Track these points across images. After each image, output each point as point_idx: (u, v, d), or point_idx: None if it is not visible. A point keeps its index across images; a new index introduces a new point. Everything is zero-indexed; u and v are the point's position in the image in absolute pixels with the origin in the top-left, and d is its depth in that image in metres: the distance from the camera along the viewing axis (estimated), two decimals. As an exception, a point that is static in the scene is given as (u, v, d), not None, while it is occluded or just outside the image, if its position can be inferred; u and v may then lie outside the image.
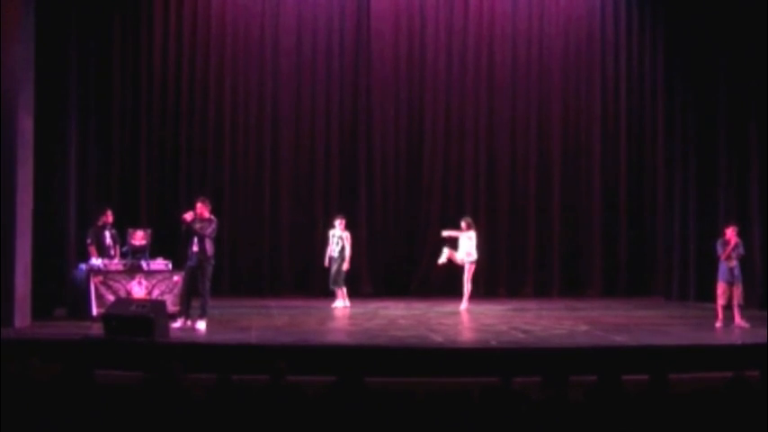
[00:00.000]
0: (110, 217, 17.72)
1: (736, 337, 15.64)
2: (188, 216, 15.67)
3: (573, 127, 22.03)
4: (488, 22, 21.93)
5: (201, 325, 15.48)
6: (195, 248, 15.63)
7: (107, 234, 17.58)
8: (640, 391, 8.52)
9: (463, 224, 18.93)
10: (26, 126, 16.05)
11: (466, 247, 18.85)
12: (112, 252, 17.45)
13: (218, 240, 16.29)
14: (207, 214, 15.81)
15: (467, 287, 18.86)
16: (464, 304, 18.79)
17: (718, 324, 16.44)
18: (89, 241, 17.48)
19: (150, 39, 20.98)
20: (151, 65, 20.97)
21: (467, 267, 18.87)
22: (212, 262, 15.79)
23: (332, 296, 19.21)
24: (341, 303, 18.96)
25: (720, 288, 16.59)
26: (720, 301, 16.58)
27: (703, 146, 20.61)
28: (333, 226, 19.10)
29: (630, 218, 21.89)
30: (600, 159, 21.91)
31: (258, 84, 21.50)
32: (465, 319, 17.65)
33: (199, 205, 15.88)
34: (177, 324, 15.50)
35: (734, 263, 16.53)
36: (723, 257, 16.57)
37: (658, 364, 11.65)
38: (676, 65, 21.23)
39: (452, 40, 21.93)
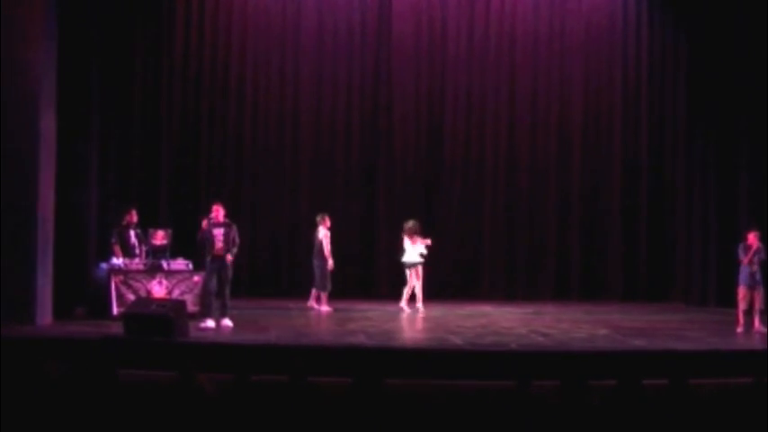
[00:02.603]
0: (134, 216, 17.82)
1: (756, 343, 15.57)
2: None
3: (593, 129, 21.93)
4: (509, 20, 21.87)
5: (228, 322, 15.80)
6: (219, 252, 15.85)
7: (131, 233, 17.67)
8: (660, 395, 8.50)
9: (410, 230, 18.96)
10: (48, 125, 16.15)
11: (418, 250, 18.90)
12: (137, 251, 17.53)
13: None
14: (222, 218, 16.01)
15: (419, 288, 18.90)
16: (410, 305, 18.87)
17: (739, 329, 16.37)
18: (113, 240, 17.56)
19: (172, 38, 21.04)
20: (172, 64, 21.02)
21: (416, 271, 18.88)
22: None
23: (355, 298, 19.22)
24: (325, 308, 18.80)
25: (741, 293, 16.53)
26: (741, 306, 16.51)
27: (725, 149, 20.45)
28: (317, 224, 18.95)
29: (650, 221, 21.78)
30: (620, 163, 21.82)
31: (279, 82, 21.50)
32: (483, 321, 17.60)
33: (215, 208, 16.05)
34: (210, 324, 15.66)
35: (755, 267, 16.47)
36: (745, 262, 16.51)
37: (678, 368, 11.63)
38: (697, 65, 20.97)
39: (474, 30, 21.88)
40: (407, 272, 19.03)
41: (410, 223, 19.07)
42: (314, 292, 18.92)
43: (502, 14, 21.89)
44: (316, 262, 18.75)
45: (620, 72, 21.88)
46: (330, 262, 18.66)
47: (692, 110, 21.22)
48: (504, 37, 21.90)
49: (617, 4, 21.91)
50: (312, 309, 18.75)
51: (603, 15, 21.93)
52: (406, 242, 19.01)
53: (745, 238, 16.71)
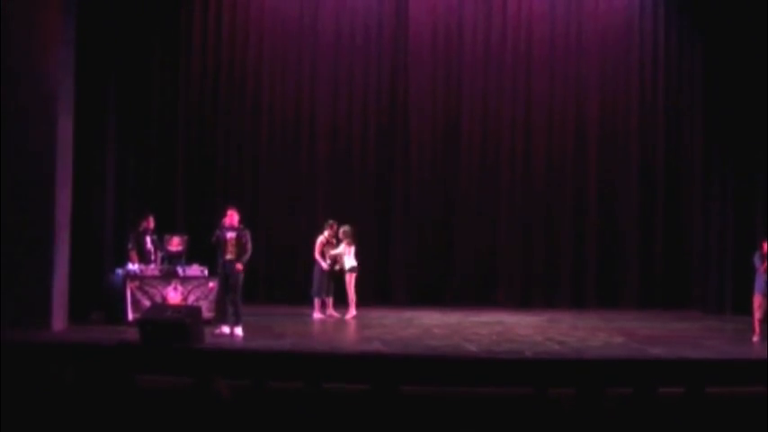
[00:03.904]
0: (151, 222, 17.90)
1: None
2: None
3: (610, 136, 21.82)
4: (526, 26, 21.86)
5: (239, 331, 15.75)
6: (230, 257, 15.84)
7: (148, 239, 17.72)
8: (676, 404, 8.47)
9: (342, 235, 18.82)
10: (66, 129, 16.21)
11: (349, 257, 18.80)
12: (153, 257, 17.56)
13: (253, 247, 16.48)
14: (236, 222, 16.00)
15: (352, 296, 18.75)
16: (349, 313, 18.74)
17: (756, 338, 16.31)
18: (130, 246, 17.63)
19: (189, 44, 21.11)
20: (189, 70, 21.09)
21: (355, 277, 18.78)
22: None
23: (371, 305, 19.21)
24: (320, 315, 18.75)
25: (757, 301, 16.49)
26: (757, 315, 16.47)
27: (742, 157, 20.40)
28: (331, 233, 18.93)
29: (667, 229, 21.71)
30: (637, 168, 21.77)
31: (295, 87, 21.51)
32: (499, 329, 17.56)
33: (229, 212, 16.05)
34: (225, 330, 15.67)
35: (771, 275, 16.44)
36: (761, 270, 16.46)
37: (694, 377, 11.59)
38: (715, 71, 20.85)
39: (491, 35, 21.87)
40: (348, 277, 18.80)
41: (347, 228, 18.83)
42: (316, 301, 18.87)
43: (518, 18, 21.85)
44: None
45: (636, 75, 21.83)
46: (323, 265, 18.64)
47: (709, 114, 21.12)
48: (520, 40, 21.86)
49: (634, 6, 21.86)
50: (322, 318, 18.67)
51: (620, 18, 21.87)
52: (344, 248, 18.78)
53: (762, 246, 16.65)
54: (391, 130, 21.75)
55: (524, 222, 21.76)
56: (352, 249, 18.76)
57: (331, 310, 18.81)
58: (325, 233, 18.84)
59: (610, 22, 21.88)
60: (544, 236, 21.78)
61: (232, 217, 16.07)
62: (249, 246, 16.10)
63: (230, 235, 15.95)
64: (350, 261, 18.74)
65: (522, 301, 21.30)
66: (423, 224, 21.66)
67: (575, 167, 21.84)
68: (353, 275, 18.73)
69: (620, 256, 21.78)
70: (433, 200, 21.74)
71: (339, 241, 18.77)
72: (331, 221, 19.00)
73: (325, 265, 18.65)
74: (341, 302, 18.89)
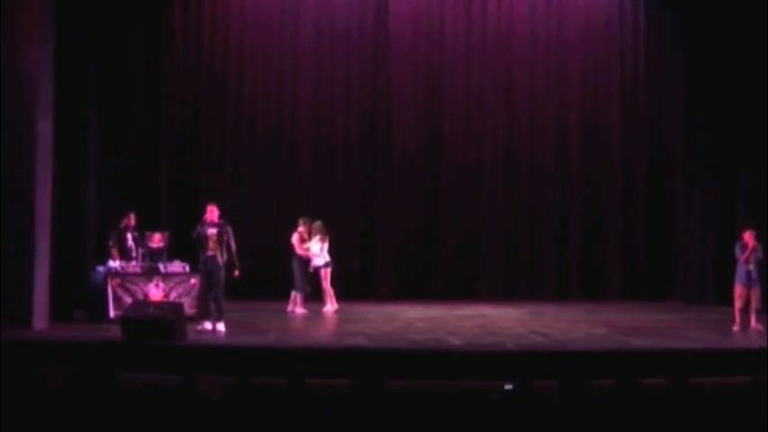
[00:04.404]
0: (132, 220, 17.91)
1: (753, 341, 15.58)
2: None
3: (592, 129, 21.92)
4: (507, 20, 21.88)
5: (222, 327, 15.67)
6: (211, 253, 15.76)
7: (129, 236, 17.70)
8: (659, 394, 8.50)
9: (314, 230, 18.83)
10: (45, 129, 16.13)
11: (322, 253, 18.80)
12: (134, 254, 17.54)
13: (236, 243, 16.43)
14: (216, 218, 15.93)
15: (329, 290, 18.76)
16: (332, 306, 18.77)
17: (736, 328, 16.39)
18: (111, 243, 17.62)
19: (170, 41, 21.09)
20: (171, 67, 21.05)
21: (325, 272, 18.78)
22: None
23: (354, 300, 19.22)
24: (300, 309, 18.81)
25: (737, 291, 16.56)
26: (737, 304, 16.54)
27: (724, 148, 20.45)
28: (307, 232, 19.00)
29: (649, 221, 21.80)
30: (619, 162, 21.83)
31: (277, 83, 21.54)
32: (483, 322, 17.58)
33: (210, 208, 15.97)
34: (207, 326, 15.65)
35: (751, 266, 16.48)
36: (742, 260, 16.53)
37: (677, 367, 11.64)
38: (695, 65, 20.94)
39: (472, 29, 21.87)
40: (323, 272, 18.77)
41: (319, 223, 18.81)
42: (293, 294, 18.90)
43: (499, 12, 21.89)
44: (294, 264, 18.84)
45: (617, 69, 21.91)
46: (308, 256, 18.69)
47: (691, 108, 21.18)
48: (501, 34, 21.90)
49: (613, 2, 21.90)
50: (292, 313, 18.68)
51: (600, 13, 21.95)
52: (317, 243, 18.76)
53: (742, 237, 16.72)
54: (374, 125, 21.76)
55: (507, 216, 21.82)
56: (326, 245, 18.76)
57: (302, 306, 18.84)
58: (300, 228, 18.87)
59: (590, 17, 21.94)
60: (527, 229, 21.83)
61: (212, 212, 15.96)
62: (232, 242, 16.01)
63: (211, 231, 15.84)
64: (324, 257, 18.75)
65: (505, 294, 21.32)
66: (406, 219, 21.66)
67: (557, 162, 21.89)
68: (329, 270, 18.75)
69: (602, 248, 21.86)
70: (416, 194, 21.74)
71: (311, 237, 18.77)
72: (304, 218, 19.01)
73: (309, 255, 18.69)
74: (319, 299, 18.88)
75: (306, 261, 18.76)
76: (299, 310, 18.62)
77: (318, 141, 21.67)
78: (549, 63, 21.93)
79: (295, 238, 18.83)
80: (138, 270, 17.13)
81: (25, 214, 15.72)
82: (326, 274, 18.72)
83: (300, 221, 18.94)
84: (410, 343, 14.90)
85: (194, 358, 13.48)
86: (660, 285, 21.63)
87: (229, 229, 16.00)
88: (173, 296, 16.89)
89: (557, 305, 20.35)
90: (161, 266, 17.19)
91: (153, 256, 17.47)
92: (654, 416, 7.96)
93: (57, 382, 8.37)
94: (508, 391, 8.37)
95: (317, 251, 18.70)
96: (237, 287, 17.72)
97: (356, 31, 21.68)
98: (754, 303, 16.48)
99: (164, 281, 17.05)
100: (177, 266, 17.36)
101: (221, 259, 15.78)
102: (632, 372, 8.94)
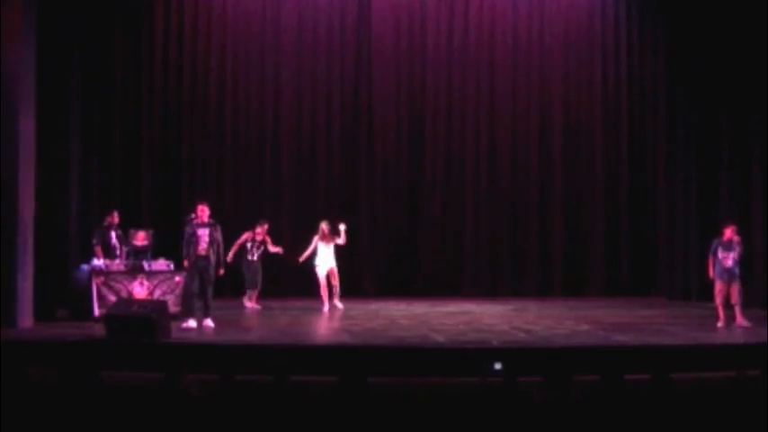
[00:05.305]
0: (116, 218, 17.87)
1: (737, 337, 15.63)
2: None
3: (574, 127, 21.97)
4: (489, 19, 21.91)
5: (210, 322, 15.75)
6: (203, 252, 15.79)
7: (113, 234, 17.68)
8: (642, 390, 8.53)
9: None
10: (27, 127, 16.09)
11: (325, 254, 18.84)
12: (118, 252, 17.53)
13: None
14: (207, 218, 15.95)
15: (325, 290, 18.72)
16: (335, 303, 18.79)
17: (720, 324, 16.41)
18: (95, 242, 17.59)
19: (152, 40, 21.06)
20: (152, 65, 21.03)
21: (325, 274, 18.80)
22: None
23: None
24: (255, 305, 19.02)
25: (717, 286, 16.56)
26: (717, 300, 16.56)
27: (705, 144, 20.52)
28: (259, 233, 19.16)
29: (632, 217, 21.85)
30: (602, 159, 21.88)
31: (259, 83, 21.54)
32: (466, 318, 17.59)
33: (200, 208, 15.99)
34: (192, 324, 15.63)
35: (730, 262, 16.51)
36: (720, 256, 16.56)
37: (660, 363, 11.66)
38: (677, 63, 21.06)
39: (454, 29, 21.90)
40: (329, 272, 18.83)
41: (325, 224, 18.85)
42: (248, 292, 19.11)
43: (481, 10, 21.91)
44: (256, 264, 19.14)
45: (599, 66, 21.94)
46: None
47: (672, 107, 21.25)
48: (483, 32, 21.93)
49: (596, 1, 21.95)
50: (246, 308, 18.91)
51: (582, 10, 21.98)
52: (322, 245, 18.75)
53: (723, 233, 16.74)
54: (356, 123, 21.77)
55: (490, 213, 21.85)
56: (325, 246, 18.78)
57: (256, 302, 19.04)
58: (257, 229, 19.12)
59: (573, 16, 21.98)
60: (510, 226, 21.87)
61: (203, 212, 15.98)
62: (221, 240, 16.10)
63: (202, 231, 15.87)
64: (323, 258, 18.77)
65: (488, 291, 21.36)
66: (389, 216, 21.69)
67: (539, 158, 21.93)
68: (319, 272, 18.80)
69: (585, 245, 21.90)
70: (398, 192, 21.77)
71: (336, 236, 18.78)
72: (263, 220, 19.31)
73: (278, 251, 19.16)
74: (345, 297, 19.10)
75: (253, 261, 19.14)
76: (254, 305, 18.96)
77: (300, 139, 21.67)
78: (531, 63, 21.96)
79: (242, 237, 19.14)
80: (122, 268, 17.11)
81: (8, 213, 15.68)
82: (319, 276, 18.76)
83: (258, 224, 19.24)
84: (394, 340, 14.89)
85: (178, 356, 13.46)
86: (643, 281, 21.70)
87: (219, 229, 16.08)
88: (157, 294, 16.87)
89: (540, 302, 20.38)
90: (145, 264, 17.17)
91: (137, 254, 17.45)
92: (638, 412, 7.99)
93: (41, 381, 8.36)
94: (499, 370, 8.39)
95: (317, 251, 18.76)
96: (220, 286, 17.71)
97: (338, 33, 21.69)
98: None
99: (148, 279, 17.03)
100: (162, 264, 17.33)
101: (212, 259, 15.85)
102: (616, 368, 8.94)
